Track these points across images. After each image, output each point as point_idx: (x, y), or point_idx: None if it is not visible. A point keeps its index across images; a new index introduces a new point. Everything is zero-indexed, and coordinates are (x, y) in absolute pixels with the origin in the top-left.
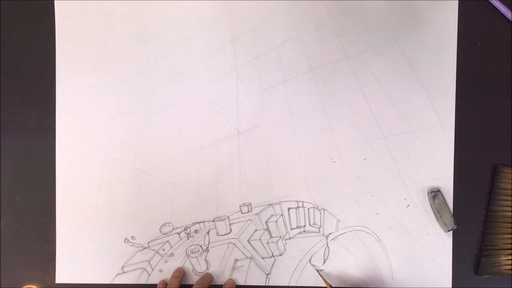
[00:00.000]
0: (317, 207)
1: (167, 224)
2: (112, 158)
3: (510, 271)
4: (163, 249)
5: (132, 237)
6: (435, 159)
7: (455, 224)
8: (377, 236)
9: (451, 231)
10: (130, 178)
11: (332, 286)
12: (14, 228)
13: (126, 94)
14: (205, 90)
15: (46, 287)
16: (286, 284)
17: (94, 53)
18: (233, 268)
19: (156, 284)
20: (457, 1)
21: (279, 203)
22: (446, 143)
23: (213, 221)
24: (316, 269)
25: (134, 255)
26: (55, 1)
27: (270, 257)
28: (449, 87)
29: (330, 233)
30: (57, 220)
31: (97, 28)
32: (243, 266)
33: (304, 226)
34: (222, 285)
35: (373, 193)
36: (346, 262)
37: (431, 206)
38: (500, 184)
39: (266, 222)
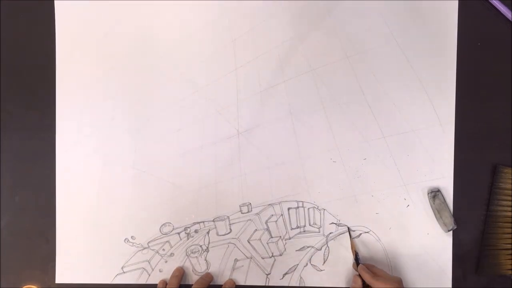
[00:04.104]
0: (317, 207)
1: (167, 224)
2: (112, 158)
3: (510, 271)
4: (163, 249)
5: (132, 237)
6: (435, 159)
7: (455, 224)
8: (377, 236)
9: (451, 231)
10: (130, 178)
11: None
12: (14, 228)
13: (126, 94)
14: (205, 90)
15: (46, 287)
16: (286, 284)
17: (94, 53)
18: (233, 268)
19: (156, 284)
20: (457, 1)
21: (279, 203)
22: (446, 143)
23: (213, 221)
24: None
25: (134, 255)
26: (55, 1)
27: (270, 257)
28: (449, 87)
29: (330, 233)
30: (57, 220)
31: (97, 28)
32: (243, 266)
33: (304, 226)
34: (222, 285)
35: (373, 193)
36: (346, 262)
37: (431, 206)
38: (500, 184)
39: (266, 222)
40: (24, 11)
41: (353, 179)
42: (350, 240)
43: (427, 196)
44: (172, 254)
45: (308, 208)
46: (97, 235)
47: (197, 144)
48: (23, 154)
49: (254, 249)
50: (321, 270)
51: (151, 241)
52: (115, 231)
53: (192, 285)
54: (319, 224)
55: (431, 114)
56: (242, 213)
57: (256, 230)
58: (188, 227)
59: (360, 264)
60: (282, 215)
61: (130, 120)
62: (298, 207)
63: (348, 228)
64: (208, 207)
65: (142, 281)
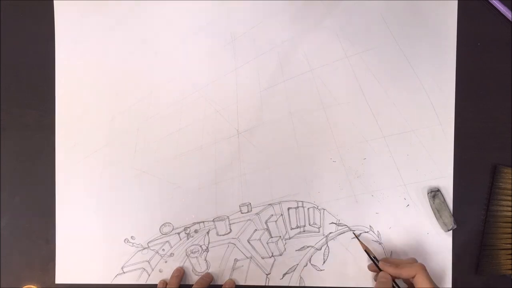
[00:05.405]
0: (317, 207)
1: (167, 224)
2: (112, 158)
3: (510, 271)
4: (163, 249)
5: (132, 237)
6: (435, 159)
7: (455, 224)
8: (377, 236)
9: (451, 231)
10: (130, 178)
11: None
12: (14, 228)
13: (126, 94)
14: (205, 90)
15: (46, 287)
16: (286, 284)
17: (94, 53)
18: (233, 268)
19: (156, 284)
20: (457, 1)
21: (279, 203)
22: (446, 143)
23: (213, 221)
24: (355, 235)
25: (134, 255)
26: (55, 1)
27: (270, 257)
28: (449, 87)
29: (330, 233)
30: (57, 220)
31: (97, 28)
32: (243, 266)
33: (304, 226)
34: (222, 285)
35: (373, 193)
36: (346, 262)
37: (431, 206)
38: (500, 184)
39: (266, 222)
40: (24, 11)
41: (353, 179)
42: (360, 243)
43: (427, 196)
44: (172, 254)
45: (308, 208)
46: (97, 235)
47: (197, 144)
48: (23, 154)
49: (254, 249)
50: (321, 270)
51: (151, 241)
52: (115, 231)
53: (192, 285)
54: (319, 224)
55: (431, 114)
56: (242, 213)
57: (256, 230)
58: (188, 227)
59: (380, 261)
60: (282, 215)
61: (130, 120)
62: (298, 207)
63: (354, 234)
64: (208, 207)
65: (142, 281)
